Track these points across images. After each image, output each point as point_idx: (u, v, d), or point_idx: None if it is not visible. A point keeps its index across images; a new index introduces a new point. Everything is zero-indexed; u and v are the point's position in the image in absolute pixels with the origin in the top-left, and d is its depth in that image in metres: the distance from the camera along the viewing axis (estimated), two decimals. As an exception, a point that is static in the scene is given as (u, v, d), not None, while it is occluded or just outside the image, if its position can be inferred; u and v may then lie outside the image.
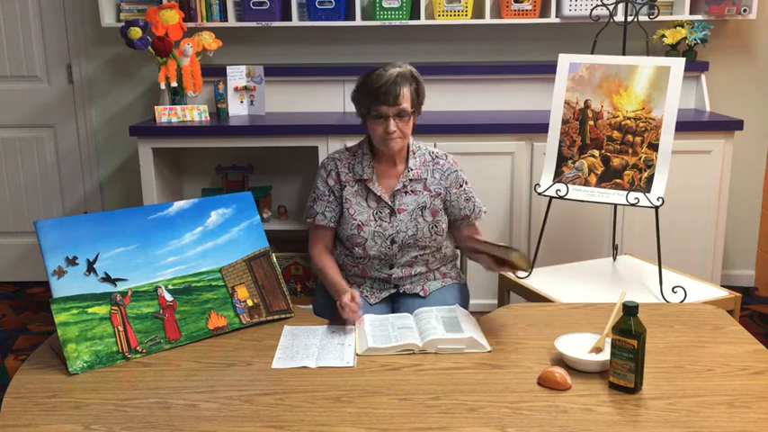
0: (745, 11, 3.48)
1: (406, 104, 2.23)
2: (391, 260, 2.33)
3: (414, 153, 2.36)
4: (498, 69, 3.65)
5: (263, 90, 3.55)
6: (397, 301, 2.37)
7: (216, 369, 1.79)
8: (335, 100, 3.67)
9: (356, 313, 2.04)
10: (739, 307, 2.52)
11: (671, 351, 1.85)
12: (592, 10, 2.84)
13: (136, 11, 3.60)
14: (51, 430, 1.53)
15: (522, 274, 2.71)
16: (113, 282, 1.90)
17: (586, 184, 2.68)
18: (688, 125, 3.24)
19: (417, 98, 2.29)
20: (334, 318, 2.22)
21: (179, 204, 2.08)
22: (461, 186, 2.38)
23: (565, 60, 2.74)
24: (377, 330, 1.95)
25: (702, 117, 3.43)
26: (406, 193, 2.33)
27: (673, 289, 2.50)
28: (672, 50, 3.58)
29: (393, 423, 1.54)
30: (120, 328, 1.85)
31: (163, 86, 3.43)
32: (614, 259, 2.98)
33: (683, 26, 3.56)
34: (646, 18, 2.86)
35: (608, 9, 2.75)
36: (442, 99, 3.61)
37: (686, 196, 3.31)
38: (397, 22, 3.52)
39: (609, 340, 1.70)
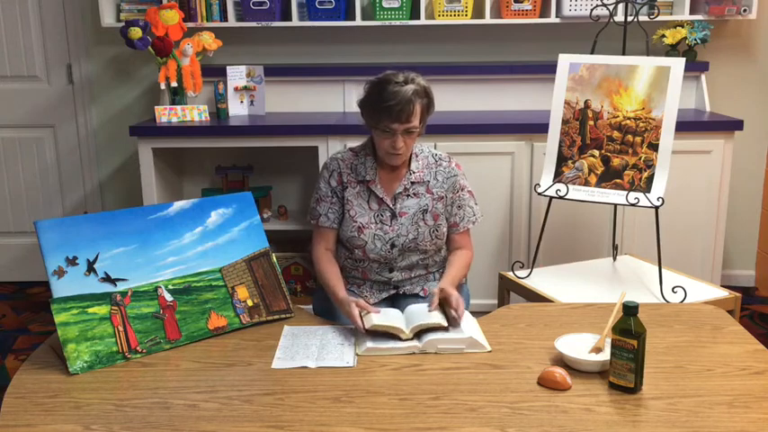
0: (745, 11, 3.48)
1: (416, 122, 2.19)
2: (391, 264, 2.33)
3: (417, 156, 2.35)
4: (498, 69, 3.65)
5: (263, 90, 3.55)
6: (396, 302, 2.37)
7: (216, 369, 1.79)
8: (335, 100, 3.67)
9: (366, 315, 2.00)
10: (739, 307, 2.52)
11: (671, 351, 1.85)
12: (592, 10, 2.84)
13: (136, 11, 3.60)
14: (51, 430, 1.53)
15: (523, 273, 2.71)
16: (113, 282, 1.90)
17: (586, 184, 2.68)
18: (688, 125, 3.24)
19: (427, 114, 2.27)
20: (334, 318, 2.22)
21: (179, 204, 2.08)
22: (457, 192, 2.36)
23: (565, 60, 2.73)
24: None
25: (702, 117, 3.43)
26: (407, 196, 2.32)
27: (673, 289, 2.50)
28: (672, 50, 3.58)
29: (393, 423, 1.54)
30: (120, 328, 1.85)
31: (163, 86, 3.43)
32: (614, 259, 2.98)
33: (683, 26, 3.56)
34: (646, 18, 2.86)
35: (608, 9, 2.75)
36: (442, 99, 3.55)
37: (686, 196, 3.30)
38: (397, 22, 3.52)
39: (609, 340, 1.71)
